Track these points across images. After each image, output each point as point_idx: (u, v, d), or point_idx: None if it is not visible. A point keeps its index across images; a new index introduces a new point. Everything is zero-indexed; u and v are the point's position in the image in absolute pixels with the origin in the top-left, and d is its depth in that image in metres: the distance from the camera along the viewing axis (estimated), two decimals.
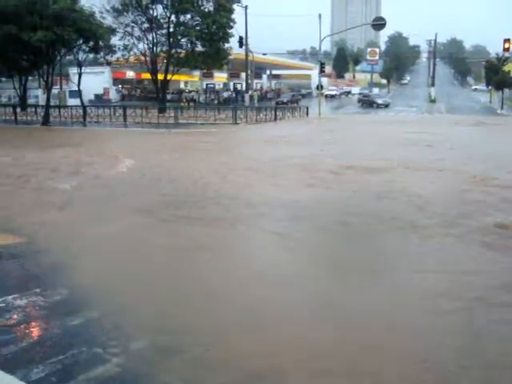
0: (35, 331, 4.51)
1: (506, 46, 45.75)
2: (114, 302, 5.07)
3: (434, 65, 77.13)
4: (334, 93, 79.03)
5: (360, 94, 75.51)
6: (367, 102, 61.45)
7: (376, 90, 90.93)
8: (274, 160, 15.07)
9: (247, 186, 11.29)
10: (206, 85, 70.72)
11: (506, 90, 67.63)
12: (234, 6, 44.47)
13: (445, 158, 15.89)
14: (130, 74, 70.81)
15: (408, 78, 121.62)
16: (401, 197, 10.05)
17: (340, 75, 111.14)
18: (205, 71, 59.78)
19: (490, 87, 73.43)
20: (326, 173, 12.99)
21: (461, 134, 27.82)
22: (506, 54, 61.26)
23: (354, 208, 9.19)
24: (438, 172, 13.28)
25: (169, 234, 7.62)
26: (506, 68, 69.83)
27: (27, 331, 4.47)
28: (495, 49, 71.99)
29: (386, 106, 59.92)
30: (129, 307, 4.92)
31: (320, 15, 44.16)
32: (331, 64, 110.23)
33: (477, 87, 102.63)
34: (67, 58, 41.85)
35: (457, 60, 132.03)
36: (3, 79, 54.30)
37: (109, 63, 48.82)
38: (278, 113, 35.00)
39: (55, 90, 46.66)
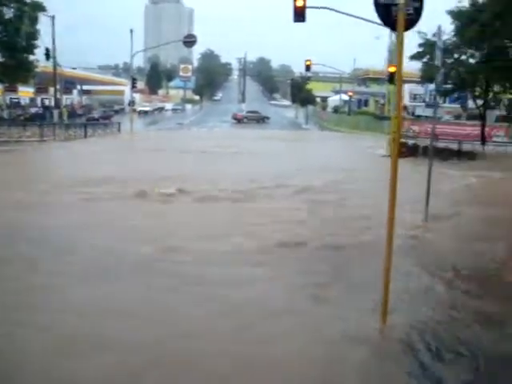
0: None
1: (307, 63, 50.60)
2: None
3: (245, 82, 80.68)
4: (147, 109, 78.62)
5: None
6: None
7: (189, 106, 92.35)
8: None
9: None
10: (10, 99, 65.97)
11: (310, 106, 73.33)
12: (40, 15, 41.59)
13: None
14: None
15: (220, 95, 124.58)
16: None
17: (154, 91, 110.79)
18: (7, 85, 55.56)
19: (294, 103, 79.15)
20: None
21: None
22: (308, 74, 66.66)
23: None
24: None
25: None
26: (308, 86, 76.31)
27: None
28: (299, 68, 77.37)
29: None
30: None
31: (132, 30, 43.60)
32: (144, 80, 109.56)
33: (277, 102, 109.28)
34: None
35: (265, 78, 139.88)
36: None
37: None
38: (88, 129, 33.80)
39: None
